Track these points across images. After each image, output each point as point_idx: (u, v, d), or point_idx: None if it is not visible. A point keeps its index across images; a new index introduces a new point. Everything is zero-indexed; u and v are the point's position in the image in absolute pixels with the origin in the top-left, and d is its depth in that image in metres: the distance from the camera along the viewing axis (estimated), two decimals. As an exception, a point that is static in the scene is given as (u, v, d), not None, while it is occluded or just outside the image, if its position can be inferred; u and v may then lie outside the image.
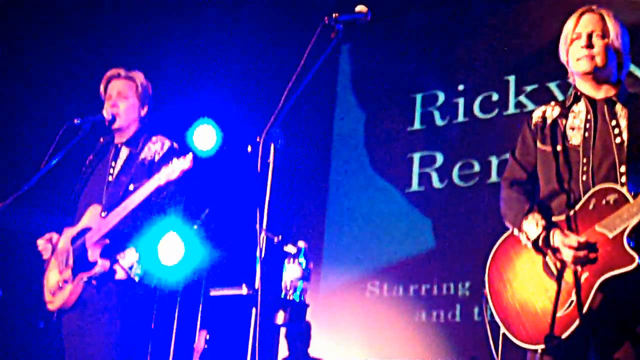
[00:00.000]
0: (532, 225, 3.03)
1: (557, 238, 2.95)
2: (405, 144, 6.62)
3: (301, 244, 4.26)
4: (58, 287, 4.01)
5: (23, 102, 6.36)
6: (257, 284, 2.67)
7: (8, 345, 6.12)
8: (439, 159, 6.37)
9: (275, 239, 3.75)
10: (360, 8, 3.00)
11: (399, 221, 6.41)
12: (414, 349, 5.95)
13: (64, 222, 4.28)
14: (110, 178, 4.11)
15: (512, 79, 6.06)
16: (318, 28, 2.88)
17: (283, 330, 6.32)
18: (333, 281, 6.54)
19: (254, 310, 2.70)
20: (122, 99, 4.23)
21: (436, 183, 6.32)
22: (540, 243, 2.99)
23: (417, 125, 6.64)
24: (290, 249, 4.21)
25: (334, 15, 2.91)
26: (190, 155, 3.75)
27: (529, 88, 5.95)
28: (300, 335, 6.27)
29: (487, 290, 3.19)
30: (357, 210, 6.65)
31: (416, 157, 6.51)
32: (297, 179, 7.11)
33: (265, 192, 2.73)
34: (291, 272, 4.16)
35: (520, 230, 3.09)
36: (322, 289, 6.53)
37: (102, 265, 3.88)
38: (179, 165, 3.74)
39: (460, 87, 6.46)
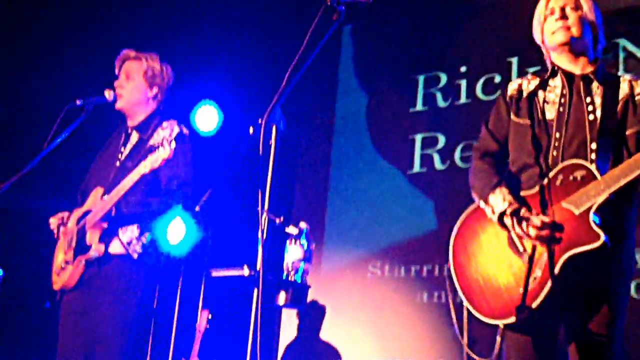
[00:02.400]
0: (499, 200, 3.04)
1: (522, 215, 2.95)
2: (407, 126, 6.61)
3: (303, 225, 4.29)
4: (61, 267, 4.03)
5: (26, 82, 6.35)
6: (259, 265, 2.68)
7: (16, 324, 6.15)
8: (441, 140, 6.36)
9: (277, 221, 3.76)
10: (363, -11, 2.99)
11: (400, 202, 6.41)
12: (415, 329, 5.98)
13: (70, 202, 4.30)
14: (117, 162, 4.12)
15: (514, 60, 6.04)
16: (320, 9, 2.87)
17: (294, 312, 6.35)
18: (334, 262, 6.56)
19: (255, 291, 2.71)
20: (127, 80, 4.23)
21: (438, 164, 6.32)
22: (504, 218, 2.99)
23: (419, 106, 6.63)
24: (292, 230, 4.23)
25: (336, -4, 2.90)
26: (173, 144, 3.74)
27: (531, 70, 5.94)
28: (312, 317, 6.30)
29: (450, 263, 3.19)
30: (359, 192, 6.66)
31: (418, 138, 6.51)
32: (298, 161, 7.11)
33: (267, 174, 2.73)
34: (293, 253, 4.19)
35: (486, 203, 3.09)
36: (323, 270, 6.55)
37: (96, 249, 3.89)
38: (162, 154, 3.73)
39: (463, 69, 6.44)
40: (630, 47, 5.65)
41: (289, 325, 6.46)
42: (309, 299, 4.50)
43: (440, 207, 6.19)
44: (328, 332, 6.28)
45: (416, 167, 6.46)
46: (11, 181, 3.73)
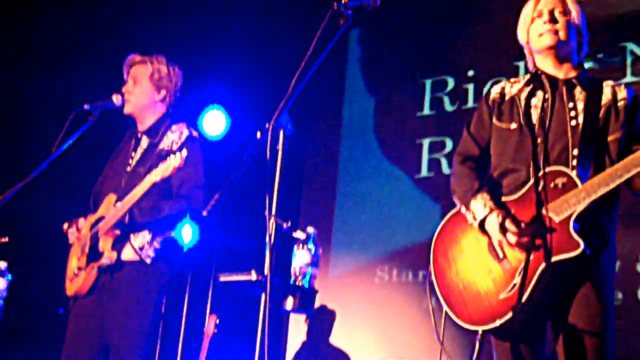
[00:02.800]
0: (480, 206, 3.02)
1: (500, 221, 2.94)
2: (414, 130, 6.61)
3: (310, 229, 4.28)
4: (74, 274, 4.03)
5: (34, 86, 6.37)
6: (267, 270, 2.68)
7: (26, 328, 6.16)
8: (449, 144, 6.36)
9: (285, 225, 3.76)
10: (370, -7, 2.99)
11: (408, 207, 6.41)
12: (423, 334, 5.96)
13: (79, 206, 4.30)
14: (128, 168, 4.12)
15: (522, 64, 6.03)
16: (327, 14, 2.87)
17: (302, 317, 6.34)
18: (342, 267, 6.56)
19: (263, 295, 2.70)
20: (134, 84, 4.23)
21: (446, 169, 6.31)
22: (485, 225, 2.99)
23: (426, 110, 6.62)
24: (299, 235, 4.22)
25: (343, 1, 2.90)
26: (184, 152, 3.74)
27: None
28: (320, 322, 6.29)
29: (431, 267, 3.17)
30: (366, 196, 6.65)
31: (426, 142, 6.50)
32: (306, 165, 7.11)
33: (274, 178, 2.73)
34: (300, 258, 4.18)
35: (467, 209, 3.08)
36: (331, 275, 6.55)
37: (108, 257, 3.89)
38: (173, 163, 3.72)
39: (470, 73, 6.43)
40: (638, 51, 5.64)
41: (297, 331, 6.45)
42: (316, 304, 4.49)
43: (448, 211, 6.15)
44: (336, 337, 6.28)
45: (424, 172, 6.45)
46: (20, 185, 3.73)
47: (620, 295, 5.23)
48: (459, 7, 6.68)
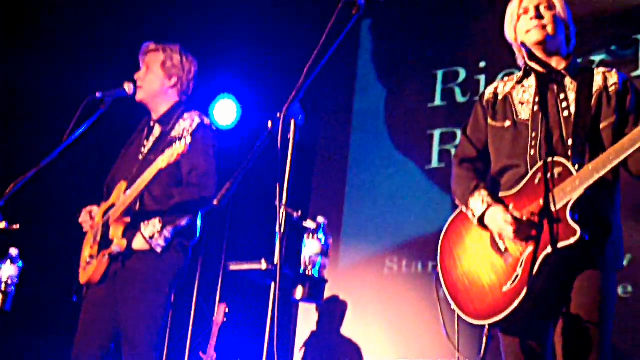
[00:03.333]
0: (478, 202, 3.07)
1: (498, 215, 2.97)
2: (425, 121, 6.60)
3: (320, 219, 4.28)
4: (87, 262, 4.04)
5: (47, 74, 6.39)
6: (277, 259, 2.69)
7: (42, 317, 6.19)
8: (460, 136, 6.34)
9: (295, 215, 3.77)
10: (383, -16, 2.99)
11: (418, 198, 6.40)
12: (432, 325, 5.97)
13: (90, 194, 4.32)
14: (140, 156, 4.12)
15: (534, 56, 6.02)
16: (339, 3, 2.87)
17: (311, 307, 6.36)
18: (351, 257, 6.56)
19: (272, 284, 2.71)
20: (147, 72, 4.24)
21: (456, 160, 6.30)
22: (485, 220, 3.02)
23: (437, 101, 6.61)
24: (309, 224, 4.23)
25: (355, -10, 2.90)
26: (188, 139, 3.74)
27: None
28: (330, 312, 6.31)
29: (438, 266, 3.23)
30: (377, 187, 6.65)
31: (436, 133, 6.49)
32: (316, 155, 7.11)
33: (285, 168, 2.74)
34: (310, 247, 4.19)
35: (467, 207, 3.13)
36: (340, 265, 6.55)
37: (118, 244, 3.90)
38: (177, 149, 3.73)
39: (482, 64, 6.42)
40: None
41: (306, 320, 6.47)
42: (326, 293, 4.50)
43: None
44: (345, 327, 6.29)
45: (434, 163, 6.45)
46: (31, 173, 3.75)
47: (630, 288, 5.22)
48: (471, -1, 6.67)
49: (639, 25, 5.65)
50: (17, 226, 4.23)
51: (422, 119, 6.62)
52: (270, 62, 7.10)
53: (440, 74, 6.65)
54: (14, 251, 4.51)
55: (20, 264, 4.50)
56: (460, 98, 6.49)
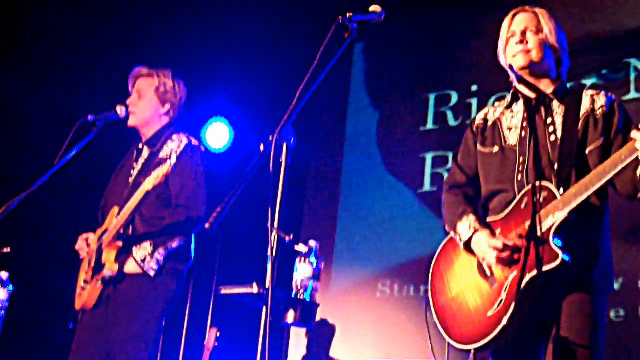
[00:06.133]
0: (465, 227, 3.09)
1: (483, 240, 2.98)
2: (417, 144, 6.61)
3: (312, 243, 4.26)
4: (81, 288, 4.02)
5: (39, 97, 6.38)
6: (268, 283, 2.67)
7: (32, 341, 6.15)
8: (451, 162, 6.35)
9: (287, 238, 3.75)
10: (375, 8, 3.00)
11: (410, 221, 6.40)
12: (424, 349, 5.94)
13: (84, 219, 4.30)
14: (130, 179, 4.11)
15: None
16: (332, 27, 2.88)
17: (302, 331, 6.32)
18: (344, 281, 6.54)
19: (264, 308, 2.70)
20: (140, 97, 4.23)
21: (448, 184, 6.31)
22: (472, 245, 3.04)
23: (430, 125, 6.63)
24: (301, 248, 4.21)
25: (348, 14, 2.91)
26: (173, 159, 3.74)
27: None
28: (321, 336, 6.27)
29: (429, 290, 3.24)
30: (369, 210, 6.65)
31: (429, 157, 6.50)
32: (309, 178, 7.11)
33: (277, 191, 2.73)
34: (302, 271, 4.16)
35: (455, 232, 3.15)
36: (332, 289, 6.53)
37: (109, 268, 3.88)
38: (162, 170, 3.72)
39: (474, 88, 6.45)
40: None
41: (297, 344, 6.44)
42: (318, 317, 4.48)
43: (450, 226, 6.16)
44: (337, 351, 6.26)
45: (426, 186, 6.45)
46: (23, 196, 3.73)
47: (622, 312, 5.21)
48: (463, 22, 6.70)
49: (630, 49, 5.69)
50: (7, 249, 4.20)
51: (415, 142, 6.64)
52: (262, 85, 7.11)
53: (432, 97, 6.68)
54: (4, 274, 4.48)
55: (10, 287, 4.47)
56: (452, 121, 6.51)
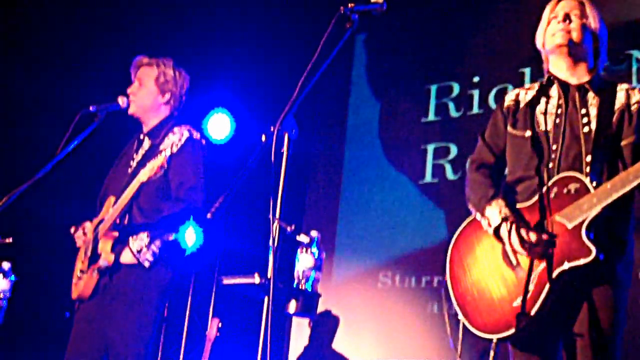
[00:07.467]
0: (495, 212, 3.01)
1: (514, 229, 2.93)
2: (419, 135, 6.61)
3: (314, 233, 4.27)
4: (77, 277, 4.03)
5: (40, 88, 6.38)
6: (270, 273, 2.68)
7: (34, 331, 6.16)
8: (453, 150, 6.36)
9: (289, 229, 3.75)
10: (376, -2, 2.99)
11: (412, 212, 6.40)
12: (425, 340, 5.96)
13: (83, 207, 4.31)
14: (129, 170, 4.12)
15: (527, 71, 6.04)
16: (333, 18, 2.87)
17: (304, 321, 6.34)
18: (345, 271, 6.55)
19: (266, 299, 2.70)
20: (140, 86, 4.24)
21: (450, 175, 6.31)
22: (500, 231, 2.98)
23: (431, 116, 6.62)
24: (303, 238, 4.22)
25: (349, 5, 2.91)
26: (168, 152, 3.75)
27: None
28: (323, 326, 6.29)
29: (447, 275, 3.19)
30: (370, 201, 6.65)
31: (430, 148, 6.50)
32: (310, 169, 7.12)
33: (278, 182, 2.73)
34: (304, 261, 4.17)
35: (482, 215, 3.07)
36: (334, 279, 6.54)
37: (105, 258, 3.89)
38: (156, 162, 3.73)
39: (476, 79, 6.44)
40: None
41: (299, 334, 6.45)
42: (319, 308, 4.49)
43: (452, 217, 6.18)
44: (338, 342, 6.27)
45: (428, 177, 6.45)
46: (25, 187, 3.73)
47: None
48: (465, 13, 6.69)
49: (632, 41, 5.68)
50: (9, 240, 4.21)
51: (416, 133, 6.63)
52: (264, 76, 7.11)
53: (433, 88, 6.67)
54: (6, 265, 4.49)
55: (12, 277, 4.49)
56: (454, 113, 6.50)
